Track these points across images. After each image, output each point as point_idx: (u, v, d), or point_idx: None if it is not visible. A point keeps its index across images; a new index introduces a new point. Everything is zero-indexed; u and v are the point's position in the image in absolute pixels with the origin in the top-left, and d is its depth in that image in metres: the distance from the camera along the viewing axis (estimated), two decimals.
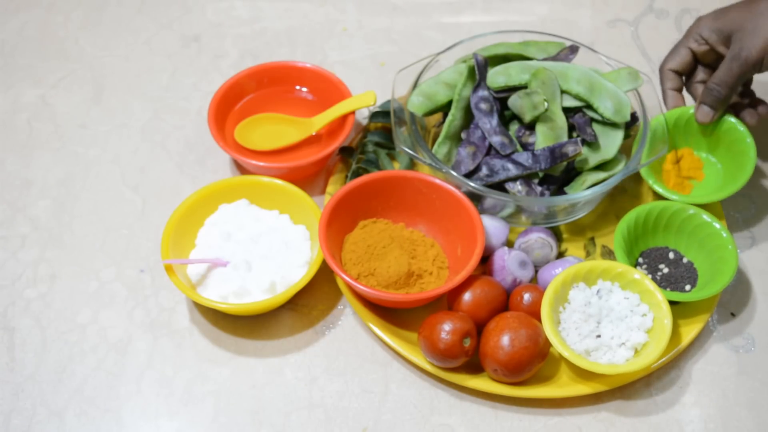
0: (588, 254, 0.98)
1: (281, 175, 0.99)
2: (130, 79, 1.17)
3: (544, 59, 1.03)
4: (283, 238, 0.94)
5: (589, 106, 0.98)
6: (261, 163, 1.01)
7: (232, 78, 1.07)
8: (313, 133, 1.06)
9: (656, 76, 1.18)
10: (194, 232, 0.96)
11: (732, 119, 0.99)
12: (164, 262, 0.90)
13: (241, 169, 1.06)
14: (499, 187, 0.95)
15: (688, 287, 0.93)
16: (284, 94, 1.10)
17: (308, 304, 0.94)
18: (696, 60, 0.99)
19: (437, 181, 0.95)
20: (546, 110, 0.96)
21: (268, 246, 0.93)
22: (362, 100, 1.04)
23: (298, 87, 1.10)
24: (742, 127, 0.98)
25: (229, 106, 1.07)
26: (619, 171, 0.95)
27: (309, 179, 1.04)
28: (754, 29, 0.90)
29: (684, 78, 1.01)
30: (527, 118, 0.96)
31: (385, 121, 1.05)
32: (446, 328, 0.84)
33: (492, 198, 0.94)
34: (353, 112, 1.04)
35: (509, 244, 0.98)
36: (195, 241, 0.95)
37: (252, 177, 0.98)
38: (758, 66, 0.92)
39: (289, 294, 0.89)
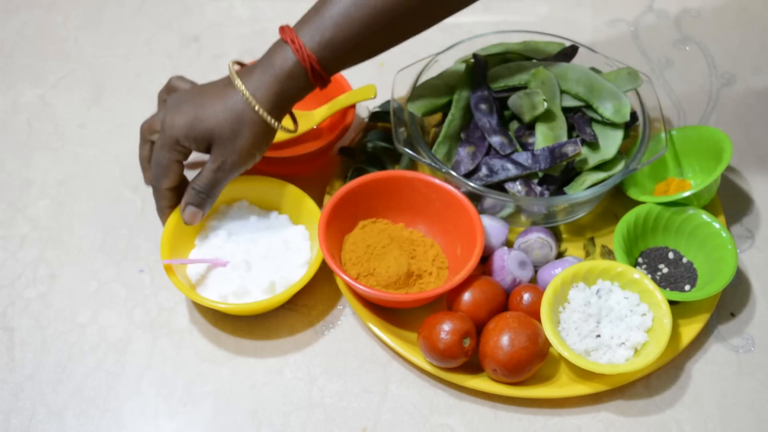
0: (588, 254, 0.98)
1: (281, 168, 0.99)
2: (130, 79, 1.17)
3: (544, 59, 1.03)
4: (282, 238, 0.94)
5: (589, 106, 0.98)
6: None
7: None
8: (314, 126, 1.06)
9: (656, 75, 1.18)
10: (194, 233, 0.96)
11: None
12: (163, 262, 0.90)
13: None
14: (499, 187, 0.95)
15: (687, 287, 0.93)
16: None
17: (308, 304, 0.94)
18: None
19: (437, 181, 0.95)
20: (545, 110, 0.96)
21: (268, 246, 0.93)
22: (363, 93, 1.03)
23: None
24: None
25: None
26: (619, 171, 0.95)
27: (309, 178, 1.04)
28: (232, 138, 0.86)
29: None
30: (527, 118, 0.96)
31: (385, 121, 1.05)
32: (446, 328, 0.85)
33: (492, 198, 0.94)
34: (354, 107, 1.04)
35: (509, 244, 0.98)
36: (194, 240, 0.95)
37: (252, 177, 0.98)
38: (239, 168, 0.89)
39: (288, 294, 0.89)
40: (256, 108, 0.85)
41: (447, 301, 0.91)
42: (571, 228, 1.00)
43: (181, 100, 0.87)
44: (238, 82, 0.85)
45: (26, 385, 0.88)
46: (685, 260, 0.95)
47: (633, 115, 1.00)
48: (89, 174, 1.06)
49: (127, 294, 0.95)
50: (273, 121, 0.86)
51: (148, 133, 0.93)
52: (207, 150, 0.88)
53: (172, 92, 0.94)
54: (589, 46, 1.05)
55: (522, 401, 0.87)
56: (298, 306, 0.94)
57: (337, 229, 0.93)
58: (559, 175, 0.96)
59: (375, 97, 1.03)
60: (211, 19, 1.25)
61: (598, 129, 0.97)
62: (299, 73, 0.86)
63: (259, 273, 0.91)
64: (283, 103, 0.87)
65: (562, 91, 0.99)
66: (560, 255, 0.98)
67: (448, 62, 1.04)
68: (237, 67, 0.88)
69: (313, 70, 0.85)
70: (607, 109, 0.96)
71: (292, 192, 0.96)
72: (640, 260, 0.96)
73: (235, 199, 0.98)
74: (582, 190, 0.94)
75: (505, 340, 0.84)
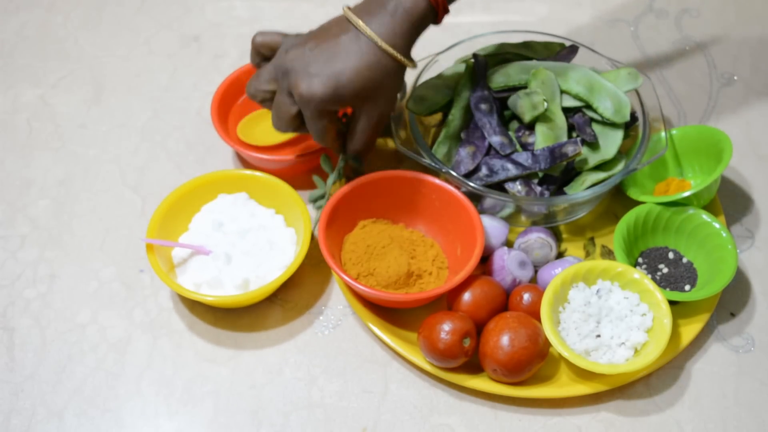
0: (588, 254, 0.98)
1: (285, 169, 1.00)
2: (130, 79, 1.17)
3: (544, 59, 1.03)
4: (269, 238, 0.94)
5: (589, 106, 0.98)
6: (264, 156, 1.00)
7: (233, 74, 1.07)
8: None
9: (656, 76, 1.18)
10: (189, 216, 0.96)
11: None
12: (145, 240, 0.90)
13: (244, 165, 1.06)
14: (499, 187, 0.95)
15: (687, 287, 0.93)
16: None
17: (308, 304, 0.94)
18: None
19: (437, 181, 0.95)
20: (545, 110, 0.96)
21: (253, 243, 0.93)
22: None
23: None
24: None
25: (231, 102, 1.07)
26: (619, 171, 0.95)
27: (309, 178, 1.04)
28: (381, 92, 0.88)
29: None
30: (527, 118, 0.96)
31: None
32: (446, 328, 0.84)
33: (492, 198, 0.94)
34: None
35: (509, 244, 0.98)
36: (189, 225, 0.96)
37: (255, 172, 0.98)
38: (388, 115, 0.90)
39: (261, 293, 0.89)
40: (399, 58, 0.85)
41: (447, 301, 0.91)
42: (571, 228, 1.00)
43: (308, 63, 0.85)
44: (380, 41, 0.84)
45: (26, 385, 0.88)
46: (685, 260, 0.95)
47: (633, 115, 1.00)
48: (89, 174, 1.06)
49: (127, 294, 0.95)
50: (411, 63, 0.87)
51: (258, 90, 0.91)
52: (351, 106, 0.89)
53: (265, 51, 0.93)
54: (589, 46, 1.05)
55: (522, 401, 0.87)
56: (298, 306, 0.94)
57: (337, 229, 0.93)
58: (559, 175, 0.96)
59: None
60: (211, 19, 1.25)
61: (598, 129, 0.97)
62: (429, 13, 0.86)
63: (237, 268, 0.91)
64: (413, 43, 0.88)
65: (562, 91, 0.99)
66: (560, 255, 0.98)
67: (448, 62, 1.04)
68: (353, 15, 0.86)
69: (443, 10, 0.87)
70: (607, 109, 0.96)
71: (292, 196, 0.96)
72: (640, 260, 0.96)
73: (236, 190, 0.98)
74: (582, 190, 0.94)
75: (505, 340, 0.84)
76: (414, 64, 0.88)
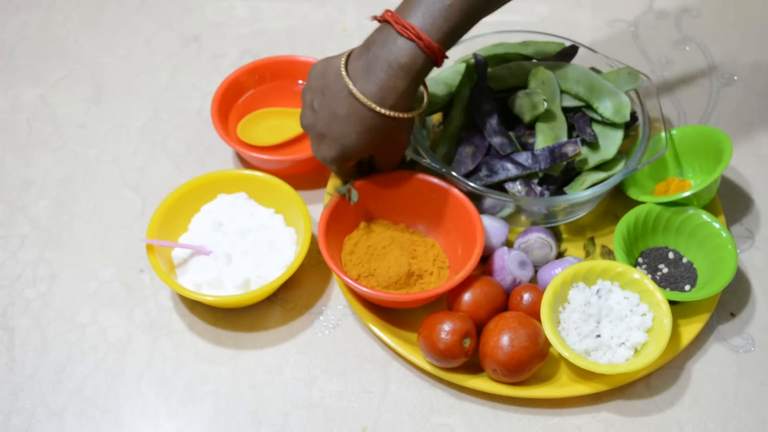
0: (588, 254, 0.98)
1: (282, 168, 0.99)
2: (130, 79, 1.17)
3: (544, 59, 1.03)
4: (269, 238, 0.94)
5: (589, 106, 0.98)
6: (264, 156, 1.00)
7: (233, 73, 1.07)
8: None
9: (656, 75, 1.18)
10: (189, 217, 0.96)
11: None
12: (145, 241, 0.90)
13: (244, 165, 1.06)
14: (499, 187, 0.95)
15: (687, 287, 0.93)
16: (286, 89, 1.10)
17: (308, 304, 0.94)
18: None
19: (437, 181, 0.95)
20: (546, 110, 0.96)
21: (253, 243, 0.93)
22: None
23: (300, 81, 1.10)
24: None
25: (231, 101, 1.07)
26: (619, 171, 0.95)
27: (309, 178, 1.04)
28: (387, 147, 0.91)
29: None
30: (527, 118, 0.96)
31: None
32: (446, 328, 0.84)
33: (492, 198, 0.94)
34: None
35: (509, 244, 0.98)
36: (188, 225, 0.96)
37: (254, 172, 0.98)
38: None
39: (262, 293, 0.89)
40: (400, 116, 0.85)
41: (447, 301, 0.91)
42: (571, 228, 1.00)
43: (315, 123, 0.88)
44: (377, 108, 0.84)
45: (26, 385, 0.88)
46: (685, 260, 0.95)
47: (633, 115, 1.00)
48: (89, 174, 1.06)
49: (127, 294, 0.95)
50: (415, 113, 0.88)
51: None
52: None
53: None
54: (589, 46, 1.05)
55: (522, 401, 0.87)
56: (298, 306, 0.94)
57: (337, 230, 0.93)
58: (559, 175, 0.96)
59: None
60: (211, 19, 1.25)
61: (598, 129, 0.97)
62: (427, 63, 0.85)
63: (238, 268, 0.91)
64: (414, 95, 0.87)
65: (562, 91, 0.99)
66: (560, 255, 0.98)
67: (448, 62, 1.04)
68: (344, 71, 0.86)
69: (441, 58, 0.86)
70: (607, 109, 0.96)
71: (292, 195, 0.96)
72: (640, 260, 0.96)
73: (235, 190, 0.98)
74: (582, 190, 0.94)
75: (505, 340, 0.84)
76: (418, 114, 0.88)
